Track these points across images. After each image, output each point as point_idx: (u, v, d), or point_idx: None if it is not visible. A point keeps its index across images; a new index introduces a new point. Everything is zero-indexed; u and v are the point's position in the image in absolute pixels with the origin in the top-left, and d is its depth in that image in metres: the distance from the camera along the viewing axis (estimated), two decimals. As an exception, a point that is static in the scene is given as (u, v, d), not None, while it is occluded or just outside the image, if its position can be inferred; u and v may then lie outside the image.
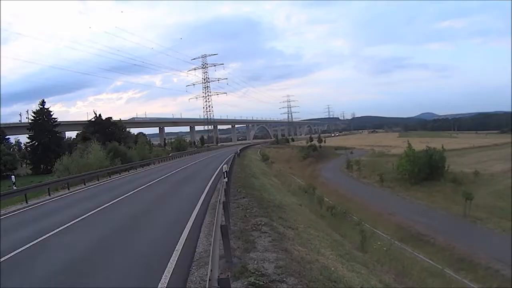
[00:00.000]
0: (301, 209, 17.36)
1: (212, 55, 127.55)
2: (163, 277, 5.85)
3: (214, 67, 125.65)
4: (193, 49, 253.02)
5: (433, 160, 44.17)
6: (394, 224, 29.16)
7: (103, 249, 8.03)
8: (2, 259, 7.61)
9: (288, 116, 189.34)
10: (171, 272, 6.06)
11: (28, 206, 15.55)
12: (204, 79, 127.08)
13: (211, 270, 3.81)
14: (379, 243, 16.35)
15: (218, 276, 3.75)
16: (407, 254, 18.10)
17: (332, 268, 7.19)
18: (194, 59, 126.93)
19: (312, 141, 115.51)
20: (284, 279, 5.70)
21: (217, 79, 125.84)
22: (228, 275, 4.08)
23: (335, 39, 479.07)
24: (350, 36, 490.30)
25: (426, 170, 43.63)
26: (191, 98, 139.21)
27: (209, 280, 3.52)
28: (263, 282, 5.45)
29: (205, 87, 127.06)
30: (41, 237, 9.17)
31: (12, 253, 7.93)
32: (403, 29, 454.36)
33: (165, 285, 5.58)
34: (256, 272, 5.79)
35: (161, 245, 7.75)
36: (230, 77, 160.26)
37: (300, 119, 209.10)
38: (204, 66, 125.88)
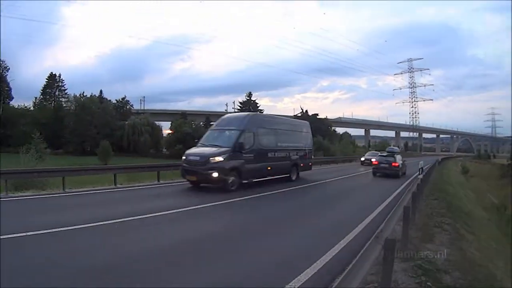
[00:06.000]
0: (488, 223, 16.61)
1: (417, 59, 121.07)
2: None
3: (420, 72, 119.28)
4: (396, 53, 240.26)
5: None
6: None
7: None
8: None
9: (492, 130, 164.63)
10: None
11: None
12: (411, 84, 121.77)
13: (381, 230, 4.82)
14: None
15: (387, 237, 4.79)
16: None
17: (498, 277, 7.39)
18: (400, 62, 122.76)
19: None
20: (450, 271, 6.15)
21: (423, 84, 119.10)
22: (395, 238, 5.08)
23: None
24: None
25: None
26: (397, 103, 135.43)
27: (376, 237, 4.54)
28: (429, 268, 6.04)
29: (411, 92, 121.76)
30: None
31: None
32: None
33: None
34: (425, 258, 6.38)
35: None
36: (434, 84, 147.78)
37: (504, 136, 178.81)
38: (410, 71, 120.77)
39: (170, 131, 62.70)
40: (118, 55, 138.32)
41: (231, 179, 14.21)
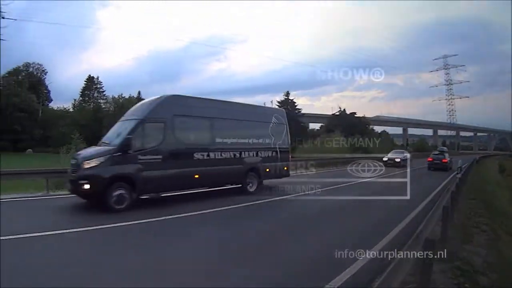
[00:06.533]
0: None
1: (452, 55, 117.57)
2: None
3: (455, 68, 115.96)
4: (430, 50, 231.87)
5: None
6: None
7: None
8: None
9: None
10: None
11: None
12: (446, 81, 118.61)
13: (420, 231, 4.79)
14: None
15: (426, 237, 4.73)
16: None
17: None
18: (436, 59, 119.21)
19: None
20: (487, 273, 6.15)
21: (459, 81, 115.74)
22: (434, 238, 5.02)
23: None
24: None
25: None
26: (434, 100, 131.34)
27: (417, 236, 4.55)
28: (467, 269, 6.01)
29: (448, 90, 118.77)
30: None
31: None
32: None
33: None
34: (463, 260, 6.39)
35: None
36: (470, 81, 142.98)
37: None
38: (446, 67, 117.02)
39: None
40: (155, 56, 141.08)
41: (116, 193, 9.84)
